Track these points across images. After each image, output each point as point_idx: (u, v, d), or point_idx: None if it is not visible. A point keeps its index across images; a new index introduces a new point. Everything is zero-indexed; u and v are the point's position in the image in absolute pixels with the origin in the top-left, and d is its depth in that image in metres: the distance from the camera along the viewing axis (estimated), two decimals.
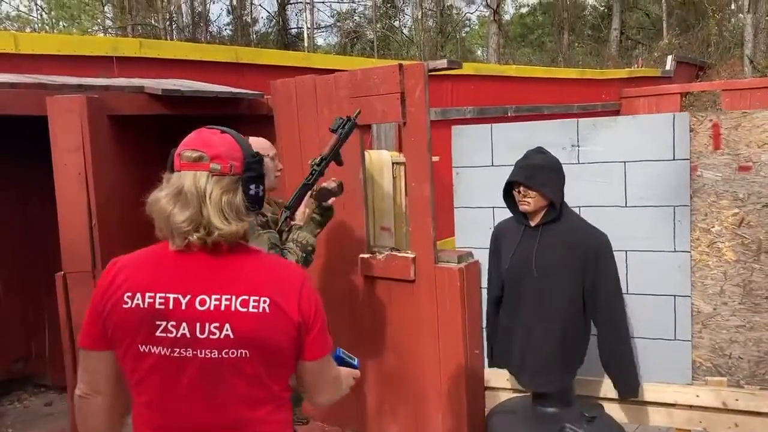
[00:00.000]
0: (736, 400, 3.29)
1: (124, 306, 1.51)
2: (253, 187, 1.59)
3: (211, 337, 1.49)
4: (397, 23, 26.43)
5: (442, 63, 3.51)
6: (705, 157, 3.31)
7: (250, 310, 1.50)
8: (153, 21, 22.41)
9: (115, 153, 4.56)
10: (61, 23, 29.68)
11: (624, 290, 3.46)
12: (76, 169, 4.02)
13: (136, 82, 4.99)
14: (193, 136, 1.60)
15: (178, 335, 1.49)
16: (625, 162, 3.41)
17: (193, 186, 1.51)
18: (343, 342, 4.15)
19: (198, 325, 1.49)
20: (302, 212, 3.02)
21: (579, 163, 3.50)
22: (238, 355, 1.50)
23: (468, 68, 9.96)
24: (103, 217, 4.09)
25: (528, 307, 2.98)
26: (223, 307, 1.49)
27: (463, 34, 31.47)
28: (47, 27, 29.97)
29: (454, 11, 28.21)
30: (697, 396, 3.36)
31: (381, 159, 4.33)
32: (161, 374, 1.52)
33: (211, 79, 6.02)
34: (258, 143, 2.96)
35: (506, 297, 3.08)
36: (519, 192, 2.90)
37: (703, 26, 19.16)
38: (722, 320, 3.36)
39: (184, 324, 1.49)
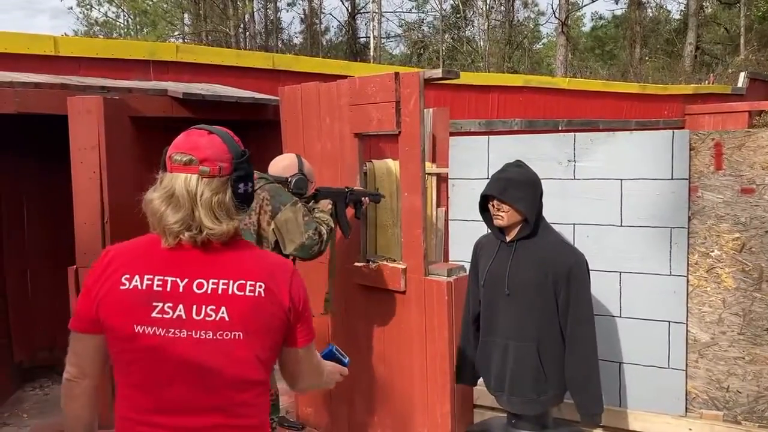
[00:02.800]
0: None
1: (121, 287, 1.55)
2: (242, 186, 1.63)
3: (206, 318, 1.54)
4: (466, 34, 26.31)
5: (437, 72, 3.46)
6: (706, 177, 3.14)
7: (247, 293, 1.56)
8: (226, 29, 23.07)
9: (136, 153, 4.71)
10: (144, 30, 31.03)
11: (617, 313, 3.34)
12: (92, 167, 4.18)
13: (163, 85, 5.14)
14: (183, 138, 1.63)
15: (174, 316, 1.54)
16: (621, 180, 3.27)
17: (184, 189, 1.56)
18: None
19: (194, 306, 1.55)
20: (327, 202, 3.27)
21: (575, 179, 3.39)
22: (232, 337, 1.55)
23: (517, 80, 9.81)
24: (116, 214, 4.23)
25: (503, 325, 2.89)
26: (220, 291, 1.56)
27: (540, 46, 31.07)
28: (131, 32, 31.38)
29: (531, 22, 27.89)
30: (690, 429, 3.18)
31: None
32: (154, 355, 1.55)
33: (247, 85, 6.14)
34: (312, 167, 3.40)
35: (483, 314, 3.00)
36: (493, 206, 2.82)
37: None
38: (720, 350, 3.17)
39: (180, 305, 1.55)
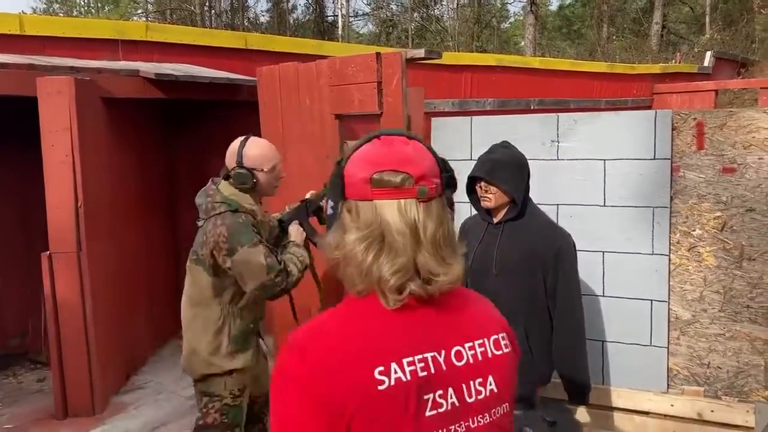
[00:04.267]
0: (712, 411, 3.16)
1: (380, 387, 1.05)
2: (451, 209, 1.23)
3: (478, 397, 1.15)
4: (435, 12, 26.21)
5: (420, 52, 3.43)
6: (688, 157, 3.17)
7: (504, 350, 1.21)
8: (191, 7, 22.62)
9: (110, 135, 4.59)
10: (106, 8, 30.28)
11: (600, 292, 3.36)
12: (63, 150, 4.05)
13: (134, 65, 5.01)
14: (383, 149, 1.16)
15: (449, 407, 1.12)
16: (605, 160, 3.29)
17: (401, 222, 1.12)
18: None
19: (464, 386, 1.14)
20: (296, 229, 2.86)
21: (558, 159, 3.39)
22: (502, 411, 1.19)
23: (490, 59, 9.81)
24: (90, 198, 4.13)
25: None
26: (480, 356, 1.17)
27: (507, 25, 31.11)
28: (92, 11, 30.61)
29: (499, 1, 27.89)
30: (672, 405, 3.24)
31: None
32: None
33: (219, 65, 6.02)
34: (265, 150, 2.70)
35: None
36: (481, 187, 2.81)
37: (747, 21, 18.49)
38: (701, 328, 3.22)
39: (450, 389, 1.13)
